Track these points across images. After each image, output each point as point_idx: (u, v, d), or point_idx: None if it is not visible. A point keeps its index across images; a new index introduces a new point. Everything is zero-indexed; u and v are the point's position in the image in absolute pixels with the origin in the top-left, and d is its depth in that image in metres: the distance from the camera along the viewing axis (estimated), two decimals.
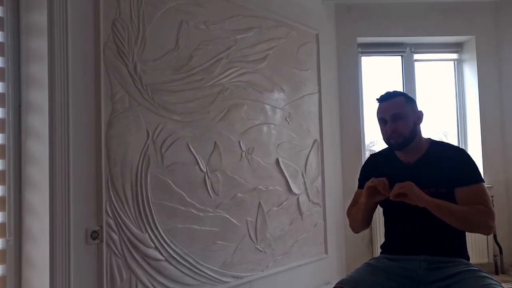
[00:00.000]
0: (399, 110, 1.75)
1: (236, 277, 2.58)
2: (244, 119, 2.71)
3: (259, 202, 2.76)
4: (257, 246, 2.73)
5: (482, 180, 1.72)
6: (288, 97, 3.05)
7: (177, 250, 2.26)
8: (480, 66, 3.79)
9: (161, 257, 2.19)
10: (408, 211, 1.68)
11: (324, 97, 3.37)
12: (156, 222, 2.18)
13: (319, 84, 3.34)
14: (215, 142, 2.51)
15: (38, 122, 1.88)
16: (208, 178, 2.46)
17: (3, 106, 1.89)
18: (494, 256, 3.57)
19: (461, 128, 3.96)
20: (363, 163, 2.05)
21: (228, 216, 2.56)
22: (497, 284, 1.53)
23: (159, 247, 2.19)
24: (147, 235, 2.14)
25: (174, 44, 2.33)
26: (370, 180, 1.69)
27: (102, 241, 1.96)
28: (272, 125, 2.92)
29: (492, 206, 1.69)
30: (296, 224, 3.04)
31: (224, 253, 2.52)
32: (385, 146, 1.86)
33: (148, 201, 2.16)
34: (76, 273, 1.87)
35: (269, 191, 2.84)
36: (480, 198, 1.67)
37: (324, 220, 3.30)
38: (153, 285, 2.15)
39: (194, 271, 2.34)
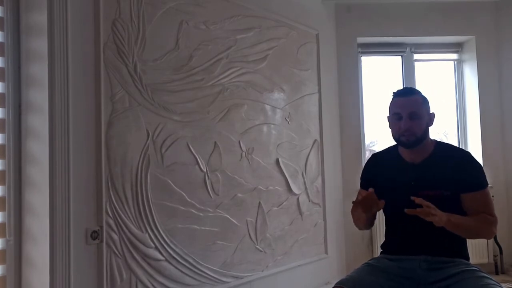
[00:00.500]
0: (416, 109, 1.75)
1: (236, 277, 2.58)
2: (244, 119, 2.71)
3: (259, 202, 2.76)
4: (257, 246, 2.73)
5: (487, 184, 1.74)
6: (288, 97, 3.05)
7: (177, 250, 2.26)
8: (480, 66, 3.79)
9: (161, 257, 2.19)
10: None
11: (324, 97, 3.37)
12: (156, 222, 2.18)
13: (319, 84, 3.34)
14: (215, 142, 2.51)
15: (38, 122, 1.88)
16: (208, 178, 2.46)
17: (3, 106, 1.89)
18: (494, 256, 3.57)
19: (461, 128, 3.96)
20: (363, 163, 2.05)
21: (228, 216, 2.56)
22: (496, 284, 1.54)
23: (159, 247, 2.19)
24: (147, 235, 2.14)
25: (174, 44, 2.33)
26: (358, 198, 1.70)
27: (102, 241, 1.96)
28: (272, 125, 2.92)
29: (494, 212, 1.72)
30: (296, 224, 3.04)
31: (224, 253, 2.52)
32: (384, 146, 1.86)
33: (148, 201, 2.16)
34: (76, 273, 1.87)
35: (269, 191, 2.84)
36: (485, 206, 1.70)
37: (324, 220, 3.30)
38: (153, 285, 2.15)
39: (194, 271, 2.34)
